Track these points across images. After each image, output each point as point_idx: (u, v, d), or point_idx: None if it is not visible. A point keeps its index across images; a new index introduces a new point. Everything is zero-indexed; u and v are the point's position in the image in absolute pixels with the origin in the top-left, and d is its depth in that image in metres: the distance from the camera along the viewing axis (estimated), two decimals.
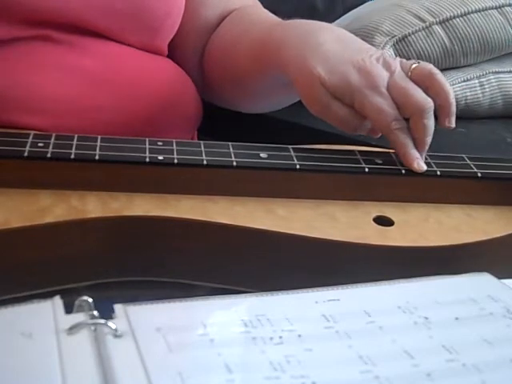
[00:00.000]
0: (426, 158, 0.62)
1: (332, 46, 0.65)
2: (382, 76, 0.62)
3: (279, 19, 0.77)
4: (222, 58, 0.78)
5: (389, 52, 1.17)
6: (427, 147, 0.62)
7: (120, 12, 0.69)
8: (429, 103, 0.61)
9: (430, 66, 0.64)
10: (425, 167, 0.61)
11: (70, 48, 0.68)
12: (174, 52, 0.79)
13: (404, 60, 0.65)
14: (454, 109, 0.63)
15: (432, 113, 0.61)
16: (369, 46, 0.68)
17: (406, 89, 0.62)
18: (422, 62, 0.65)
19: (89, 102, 0.68)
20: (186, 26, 0.78)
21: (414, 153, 0.61)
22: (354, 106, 0.63)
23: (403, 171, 0.61)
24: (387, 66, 0.63)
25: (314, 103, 0.65)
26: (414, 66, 0.64)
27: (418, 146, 0.62)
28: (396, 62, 0.64)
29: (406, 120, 0.62)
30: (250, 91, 0.78)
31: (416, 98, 0.61)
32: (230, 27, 0.79)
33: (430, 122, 0.61)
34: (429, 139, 0.62)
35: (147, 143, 0.59)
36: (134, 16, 0.71)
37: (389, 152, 0.63)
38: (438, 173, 0.61)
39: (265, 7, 0.83)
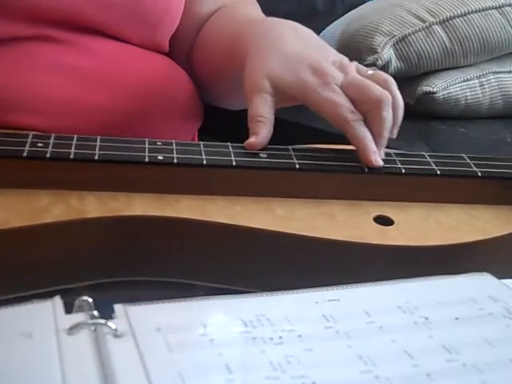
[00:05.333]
0: (426, 157, 0.62)
1: (293, 45, 0.66)
2: (336, 76, 0.62)
3: (261, 16, 0.78)
4: (205, 54, 0.78)
5: (389, 52, 1.17)
6: (385, 142, 0.62)
7: (118, 7, 0.69)
8: (387, 96, 0.61)
9: (386, 75, 0.64)
10: (381, 162, 0.60)
11: (69, 47, 0.68)
12: (170, 49, 0.78)
13: (360, 65, 0.66)
14: (400, 121, 0.63)
15: (390, 106, 0.61)
16: (331, 50, 0.68)
17: (363, 85, 0.62)
18: (378, 71, 0.66)
19: (88, 101, 0.68)
20: (180, 23, 0.78)
21: (372, 146, 0.60)
22: (308, 104, 0.62)
23: (403, 170, 0.61)
24: (342, 69, 0.64)
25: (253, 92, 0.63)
26: (370, 72, 0.65)
27: (375, 140, 0.61)
28: (352, 66, 0.64)
29: None
30: (228, 88, 0.78)
31: (374, 91, 0.61)
32: (214, 24, 0.79)
33: (388, 115, 0.61)
34: (386, 133, 0.61)
35: (147, 143, 0.59)
36: (133, 11, 0.71)
37: (389, 152, 0.63)
38: (438, 172, 0.61)
39: (265, 7, 0.83)
